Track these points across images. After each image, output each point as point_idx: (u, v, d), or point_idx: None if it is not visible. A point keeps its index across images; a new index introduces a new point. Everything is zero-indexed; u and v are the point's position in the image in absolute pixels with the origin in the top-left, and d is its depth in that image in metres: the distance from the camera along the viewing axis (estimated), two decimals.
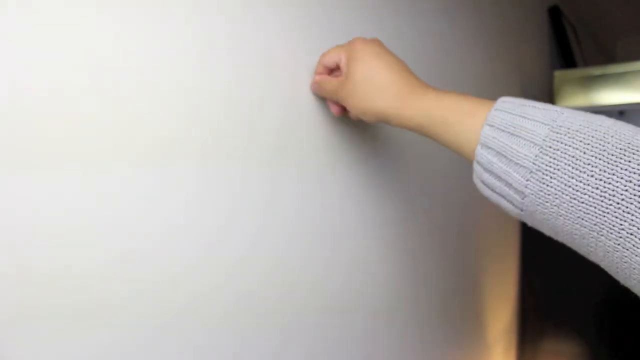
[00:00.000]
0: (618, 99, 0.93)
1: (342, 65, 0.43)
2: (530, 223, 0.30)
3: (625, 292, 0.32)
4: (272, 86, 0.44)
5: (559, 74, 1.01)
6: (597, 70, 0.96)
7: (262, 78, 0.43)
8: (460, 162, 0.75)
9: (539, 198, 0.27)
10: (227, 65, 0.40)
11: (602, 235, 0.25)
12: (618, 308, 0.86)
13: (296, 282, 0.47)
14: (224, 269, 0.40)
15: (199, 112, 0.38)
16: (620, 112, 0.87)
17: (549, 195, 0.27)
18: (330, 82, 0.44)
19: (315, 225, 0.49)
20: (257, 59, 0.43)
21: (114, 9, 0.32)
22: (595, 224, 0.25)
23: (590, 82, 0.97)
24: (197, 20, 0.38)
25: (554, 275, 1.01)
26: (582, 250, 0.28)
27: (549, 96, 1.16)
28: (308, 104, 0.48)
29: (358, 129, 0.55)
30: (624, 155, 0.25)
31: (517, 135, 0.29)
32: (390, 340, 0.62)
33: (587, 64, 1.38)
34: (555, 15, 1.22)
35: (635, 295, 0.31)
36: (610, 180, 0.25)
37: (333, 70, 0.45)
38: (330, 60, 0.44)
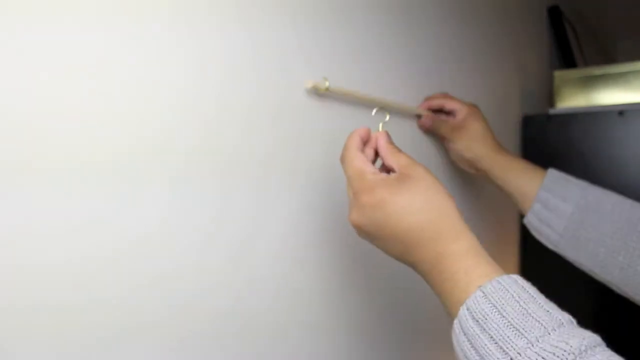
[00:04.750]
0: (618, 99, 0.93)
1: (461, 116, 0.64)
2: None
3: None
4: (265, 89, 0.44)
5: (559, 74, 1.01)
6: (597, 70, 0.96)
7: (254, 80, 0.43)
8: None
9: None
10: (218, 69, 0.40)
11: None
12: (617, 309, 0.86)
13: (288, 287, 0.47)
14: (212, 274, 0.40)
15: (190, 115, 0.38)
16: (620, 112, 0.87)
17: None
18: (447, 126, 0.64)
19: (310, 230, 0.49)
20: (249, 62, 0.42)
21: (108, 15, 0.32)
22: None
23: (590, 82, 0.96)
24: (190, 25, 0.38)
25: (553, 276, 1.01)
26: None
27: (549, 96, 1.16)
28: (301, 106, 0.48)
29: (358, 118, 0.55)
30: None
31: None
32: (390, 340, 0.62)
33: (587, 64, 1.37)
34: (555, 15, 1.22)
35: None
36: None
37: (436, 110, 0.65)
38: (450, 106, 0.64)
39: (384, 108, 0.49)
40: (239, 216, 0.41)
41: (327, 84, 0.48)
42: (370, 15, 0.56)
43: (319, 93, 0.49)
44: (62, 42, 0.29)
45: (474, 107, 0.66)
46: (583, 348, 0.26)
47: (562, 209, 0.56)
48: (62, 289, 0.30)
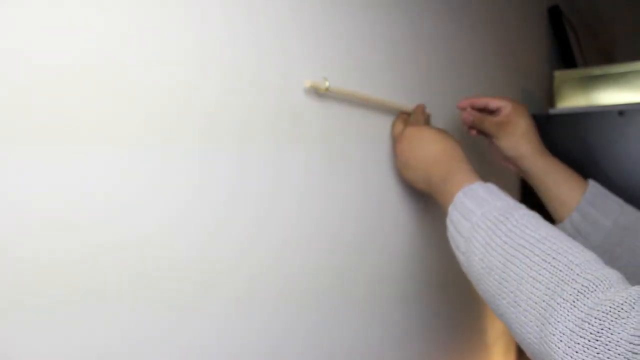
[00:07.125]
0: (618, 99, 0.93)
1: (507, 112, 0.65)
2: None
3: None
4: (265, 89, 0.44)
5: (559, 74, 1.01)
6: (597, 70, 0.96)
7: (254, 80, 0.43)
8: None
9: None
10: (218, 68, 0.40)
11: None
12: None
13: (299, 269, 0.47)
14: (226, 256, 0.40)
15: (189, 115, 0.38)
16: (620, 112, 0.87)
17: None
18: (491, 121, 0.65)
19: (318, 216, 0.49)
20: (249, 62, 0.43)
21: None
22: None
23: (590, 82, 0.96)
24: (193, 8, 0.38)
25: None
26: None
27: (549, 96, 1.16)
28: (301, 106, 0.48)
29: (357, 118, 0.55)
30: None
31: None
32: (390, 339, 0.62)
33: (587, 64, 1.37)
34: (555, 15, 1.22)
35: None
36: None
37: (480, 109, 0.68)
38: (494, 104, 0.65)
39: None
40: (239, 217, 0.41)
41: (327, 84, 0.48)
42: (370, 15, 0.56)
43: (319, 93, 0.49)
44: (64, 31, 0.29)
45: (519, 103, 0.66)
46: (510, 208, 0.44)
47: (602, 223, 0.58)
48: (63, 284, 0.30)
